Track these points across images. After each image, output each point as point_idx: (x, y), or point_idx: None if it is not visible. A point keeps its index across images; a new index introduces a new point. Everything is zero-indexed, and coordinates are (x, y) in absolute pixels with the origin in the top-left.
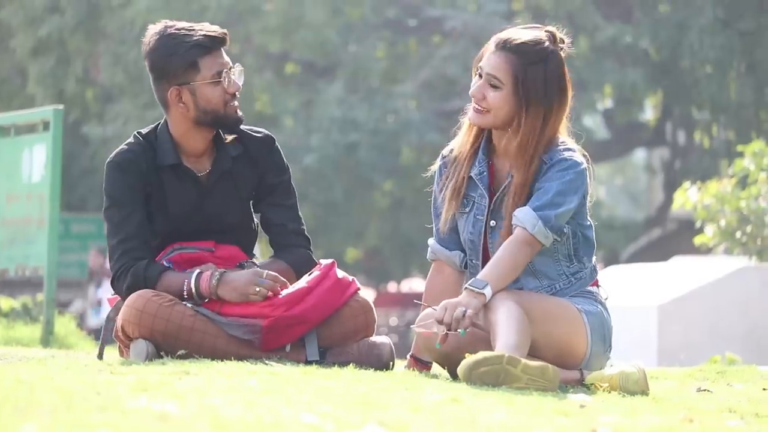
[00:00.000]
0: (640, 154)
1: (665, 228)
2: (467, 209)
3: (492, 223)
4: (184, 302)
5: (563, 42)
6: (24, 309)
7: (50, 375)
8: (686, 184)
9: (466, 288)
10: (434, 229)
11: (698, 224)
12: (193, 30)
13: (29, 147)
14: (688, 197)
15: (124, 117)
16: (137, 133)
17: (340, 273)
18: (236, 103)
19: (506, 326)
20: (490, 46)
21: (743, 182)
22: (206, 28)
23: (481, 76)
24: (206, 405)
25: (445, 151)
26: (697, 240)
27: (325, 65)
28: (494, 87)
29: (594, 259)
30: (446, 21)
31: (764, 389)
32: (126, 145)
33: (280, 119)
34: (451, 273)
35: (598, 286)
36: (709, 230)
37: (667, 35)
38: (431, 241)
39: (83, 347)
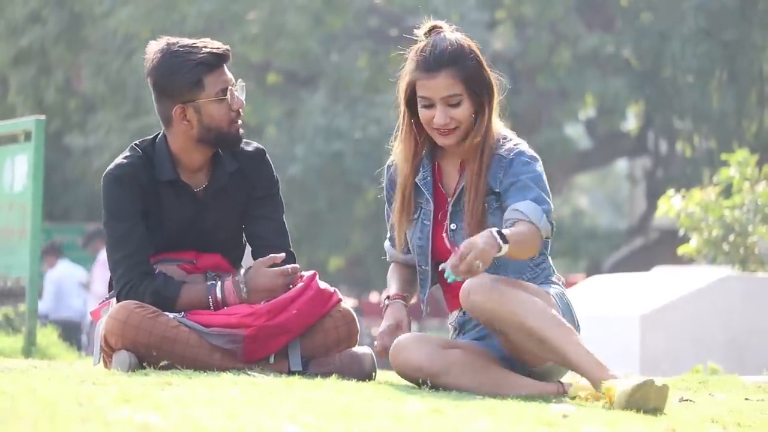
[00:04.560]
0: (622, 164)
1: (647, 237)
2: (415, 215)
3: (453, 226)
4: (166, 313)
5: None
6: (6, 319)
7: (32, 386)
8: (670, 191)
9: (493, 231)
10: (389, 235)
11: (681, 233)
12: (197, 47)
13: (11, 157)
14: (671, 205)
15: (106, 127)
16: (135, 144)
17: (322, 284)
18: (240, 121)
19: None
20: (420, 75)
21: (727, 191)
22: (210, 45)
23: (429, 106)
24: (189, 416)
25: (388, 163)
26: (681, 250)
27: (307, 75)
28: (455, 105)
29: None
30: None
31: (746, 399)
32: (124, 158)
33: (263, 129)
34: (412, 270)
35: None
36: (694, 241)
37: (649, 44)
38: (387, 244)
39: (65, 358)
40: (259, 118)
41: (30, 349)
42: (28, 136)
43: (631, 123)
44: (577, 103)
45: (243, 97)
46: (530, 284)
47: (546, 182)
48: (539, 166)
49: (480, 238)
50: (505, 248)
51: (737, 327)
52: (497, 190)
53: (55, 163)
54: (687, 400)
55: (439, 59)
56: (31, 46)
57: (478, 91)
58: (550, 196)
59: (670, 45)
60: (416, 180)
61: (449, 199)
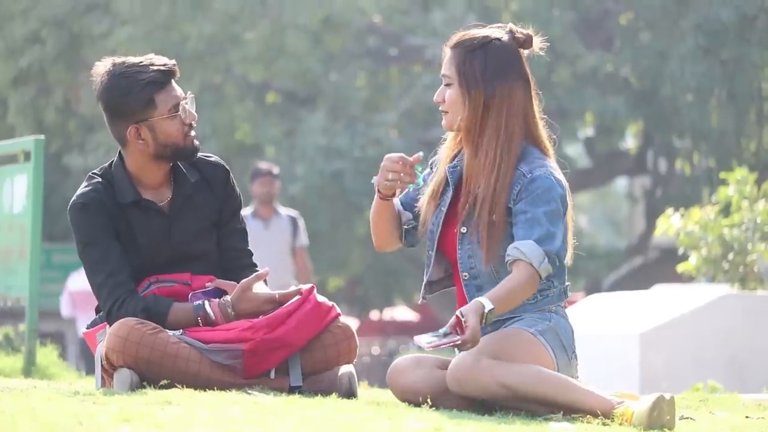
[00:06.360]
0: (621, 183)
1: (647, 256)
2: (440, 200)
3: (463, 229)
4: (166, 330)
5: (525, 37)
6: (5, 339)
7: (32, 406)
8: (669, 210)
9: (482, 302)
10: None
11: (680, 251)
12: (144, 66)
13: (10, 177)
14: (671, 223)
15: (105, 147)
16: (93, 173)
17: (320, 297)
18: (194, 132)
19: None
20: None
21: (726, 210)
22: (156, 63)
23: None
24: None
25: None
26: (680, 268)
27: (306, 94)
28: (448, 86)
29: (566, 282)
30: (427, 50)
31: (747, 417)
32: (85, 187)
33: (262, 149)
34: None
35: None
36: (693, 260)
37: (648, 63)
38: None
39: (65, 378)
40: (259, 138)
41: (30, 369)
42: (27, 156)
43: (630, 142)
44: (577, 121)
45: (194, 109)
46: (505, 336)
47: (562, 214)
48: (558, 194)
49: (473, 322)
50: (491, 317)
51: (737, 345)
52: (510, 206)
53: (55, 183)
54: (687, 418)
55: (453, 40)
56: (31, 67)
57: (468, 83)
58: (560, 228)
59: (669, 64)
60: (447, 166)
61: (469, 199)
